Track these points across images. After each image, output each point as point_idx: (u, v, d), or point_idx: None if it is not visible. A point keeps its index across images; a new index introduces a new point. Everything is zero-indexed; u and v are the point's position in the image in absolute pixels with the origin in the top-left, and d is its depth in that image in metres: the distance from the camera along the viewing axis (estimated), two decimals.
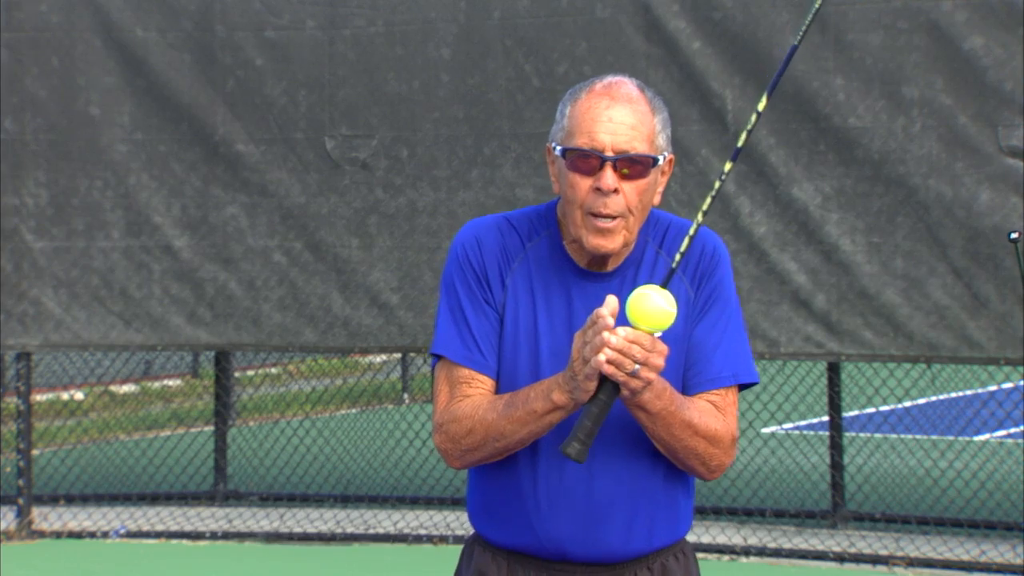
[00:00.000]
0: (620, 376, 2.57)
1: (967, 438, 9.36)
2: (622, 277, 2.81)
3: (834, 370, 7.47)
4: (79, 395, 11.16)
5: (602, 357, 2.55)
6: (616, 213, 2.73)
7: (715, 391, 2.79)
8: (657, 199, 2.81)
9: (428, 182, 7.42)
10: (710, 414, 2.75)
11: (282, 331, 7.60)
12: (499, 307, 2.80)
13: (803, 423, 10.30)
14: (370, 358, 12.60)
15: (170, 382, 12.50)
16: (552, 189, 2.85)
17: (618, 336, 2.55)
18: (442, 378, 2.79)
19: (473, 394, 2.77)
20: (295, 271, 7.58)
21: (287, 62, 7.57)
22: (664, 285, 2.60)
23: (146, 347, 7.84)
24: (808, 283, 6.96)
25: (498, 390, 2.79)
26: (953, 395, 11.61)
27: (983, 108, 6.69)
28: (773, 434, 9.64)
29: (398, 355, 11.92)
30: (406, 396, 12.20)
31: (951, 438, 9.36)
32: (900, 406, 9.54)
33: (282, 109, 7.57)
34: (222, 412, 8.46)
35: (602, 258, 2.80)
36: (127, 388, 11.94)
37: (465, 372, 2.78)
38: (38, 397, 10.40)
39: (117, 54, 7.71)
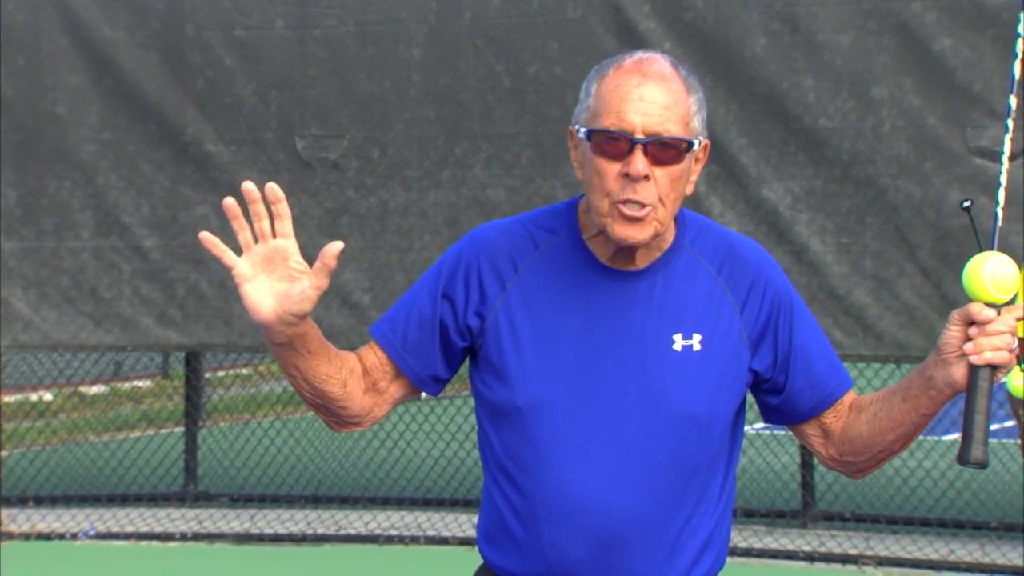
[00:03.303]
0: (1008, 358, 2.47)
1: (936, 437, 9.39)
2: (651, 281, 2.57)
3: None
4: (48, 396, 11.11)
5: (988, 355, 2.46)
6: (646, 202, 2.48)
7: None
8: (690, 188, 2.56)
9: (399, 182, 7.41)
10: None
11: (253, 331, 7.57)
12: (486, 318, 2.58)
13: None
14: None
15: (140, 383, 12.45)
16: (576, 177, 2.61)
17: (1005, 323, 2.45)
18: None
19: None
20: None
21: (257, 62, 7.55)
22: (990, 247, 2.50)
23: (116, 348, 7.81)
24: None
25: (510, 397, 2.56)
26: None
27: (952, 109, 6.73)
28: (743, 433, 9.65)
29: None
30: None
31: (920, 437, 9.38)
32: None
33: (252, 109, 7.55)
34: (192, 413, 8.42)
35: (630, 252, 2.55)
36: (96, 389, 11.89)
37: (380, 354, 2.64)
38: (6, 398, 10.34)
39: (85, 53, 7.68)
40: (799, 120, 6.92)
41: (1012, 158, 2.60)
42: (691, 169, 2.55)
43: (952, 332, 2.51)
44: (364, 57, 7.44)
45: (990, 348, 2.48)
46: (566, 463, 2.52)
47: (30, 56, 7.71)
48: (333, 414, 2.62)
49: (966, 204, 2.61)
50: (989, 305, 2.49)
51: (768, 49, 6.94)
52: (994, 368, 2.48)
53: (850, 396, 2.72)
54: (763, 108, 6.95)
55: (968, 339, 2.50)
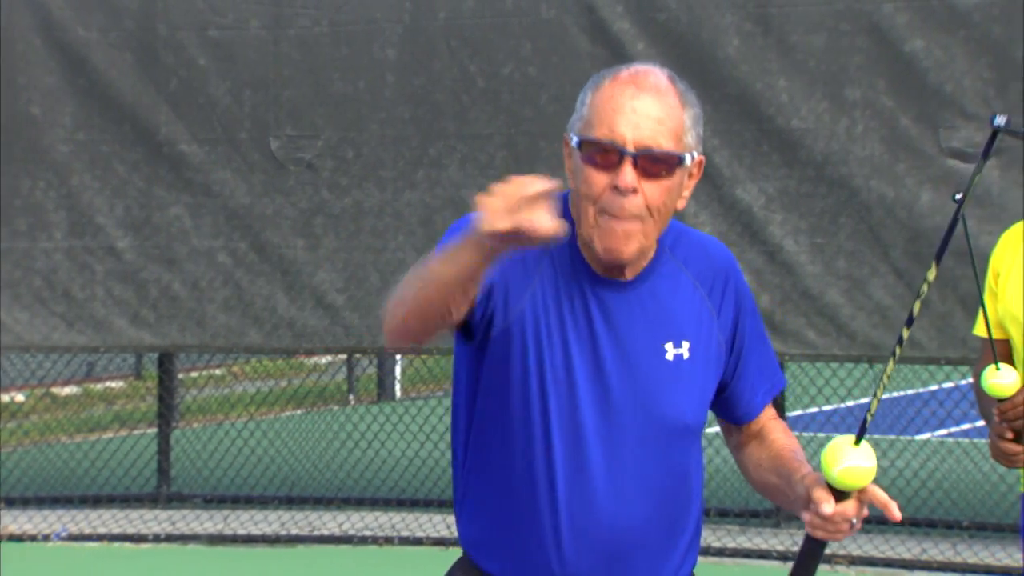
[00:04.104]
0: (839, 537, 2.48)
1: (908, 437, 9.43)
2: (640, 290, 2.56)
3: None
4: (20, 397, 11.06)
5: (820, 534, 2.50)
6: (634, 216, 2.47)
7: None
8: (682, 204, 2.55)
9: (374, 183, 7.40)
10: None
11: (226, 332, 7.56)
12: (509, 314, 2.51)
13: None
14: (315, 359, 12.56)
15: (113, 384, 12.41)
16: (568, 185, 2.56)
17: (846, 521, 2.48)
18: None
19: None
20: (240, 272, 7.54)
21: (231, 62, 7.54)
22: (858, 439, 2.47)
23: (89, 349, 7.78)
24: (752, 283, 7.00)
25: (521, 406, 2.53)
26: (895, 394, 11.70)
27: (924, 110, 6.76)
28: (717, 434, 9.68)
29: (343, 356, 11.89)
30: (351, 397, 12.17)
31: (893, 437, 9.44)
32: (843, 405, 9.60)
33: (226, 109, 7.54)
34: (165, 414, 8.40)
35: (617, 264, 2.54)
36: (69, 390, 11.85)
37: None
38: None
39: (58, 53, 7.65)
40: (772, 120, 6.94)
41: (987, 158, 2.63)
42: (683, 184, 2.53)
43: (799, 492, 2.54)
44: (338, 57, 7.44)
45: (822, 528, 2.50)
46: (570, 477, 2.52)
47: (3, 56, 7.68)
48: (427, 319, 2.41)
49: (958, 196, 2.66)
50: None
51: (741, 50, 6.96)
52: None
53: (767, 417, 2.72)
54: (736, 109, 6.97)
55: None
